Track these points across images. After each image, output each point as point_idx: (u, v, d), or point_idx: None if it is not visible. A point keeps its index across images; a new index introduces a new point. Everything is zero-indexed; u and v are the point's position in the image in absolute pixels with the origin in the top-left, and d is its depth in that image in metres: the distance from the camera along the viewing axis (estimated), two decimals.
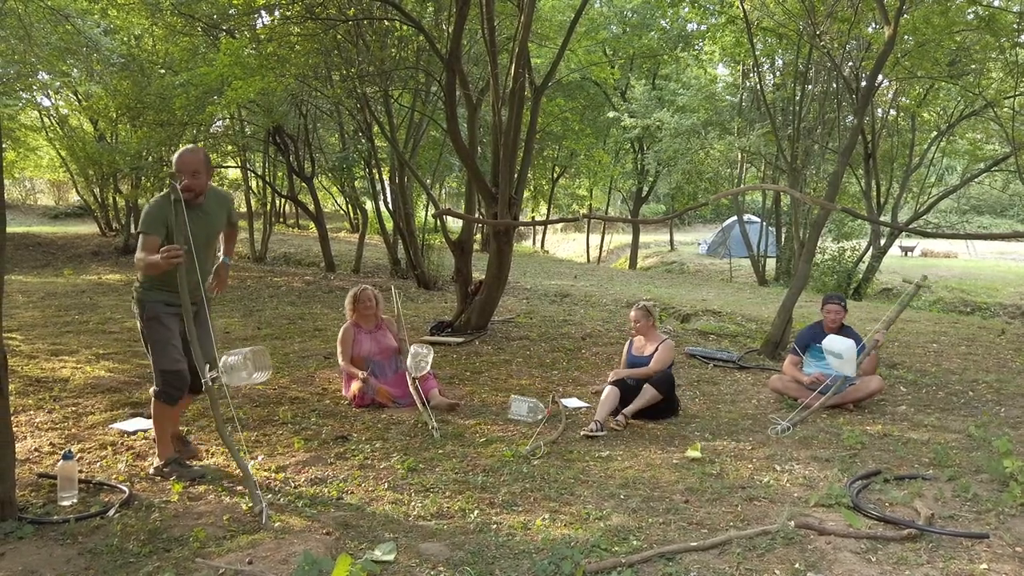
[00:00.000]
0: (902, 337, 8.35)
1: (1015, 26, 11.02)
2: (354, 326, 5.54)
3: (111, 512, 3.29)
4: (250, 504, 3.47)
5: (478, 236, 18.40)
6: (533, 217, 27.20)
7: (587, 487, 3.87)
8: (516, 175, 7.92)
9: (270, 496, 3.61)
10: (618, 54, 17.72)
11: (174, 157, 3.76)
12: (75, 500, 3.45)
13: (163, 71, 12.62)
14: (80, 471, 3.85)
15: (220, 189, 4.06)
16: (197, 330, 3.67)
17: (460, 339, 7.52)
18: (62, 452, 3.62)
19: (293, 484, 3.82)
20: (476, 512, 3.48)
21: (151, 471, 3.88)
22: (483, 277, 8.10)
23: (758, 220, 20.23)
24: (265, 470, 3.99)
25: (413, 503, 3.59)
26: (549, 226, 30.62)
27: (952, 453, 4.37)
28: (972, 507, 3.58)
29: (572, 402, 5.52)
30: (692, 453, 4.38)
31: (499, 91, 7.97)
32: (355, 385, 5.31)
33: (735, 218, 19.95)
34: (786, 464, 4.26)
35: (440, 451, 4.37)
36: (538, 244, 30.10)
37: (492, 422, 5.03)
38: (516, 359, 6.99)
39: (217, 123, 16.26)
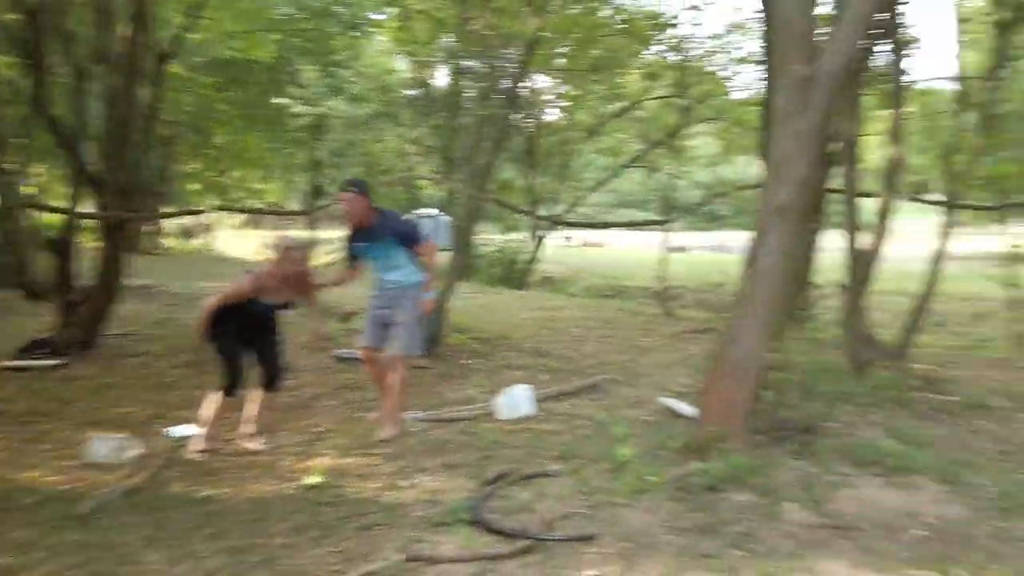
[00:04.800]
0: (551, 324, 8.66)
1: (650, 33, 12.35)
2: None
3: None
4: None
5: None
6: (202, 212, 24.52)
7: (158, 548, 3.03)
8: (133, 159, 6.61)
9: None
10: (275, 28, 16.39)
11: None
12: None
13: None
14: None
15: None
16: None
17: (55, 361, 6.02)
18: None
19: None
20: None
21: None
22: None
23: (437, 212, 20.48)
24: None
25: None
26: (224, 222, 27.98)
27: (579, 443, 4.32)
28: (586, 501, 3.47)
29: (182, 430, 4.53)
30: (311, 479, 3.76)
31: (109, 56, 6.58)
32: None
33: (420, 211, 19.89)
34: (414, 477, 3.84)
35: None
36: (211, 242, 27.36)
37: (58, 470, 3.90)
38: (128, 380, 5.74)
39: None
